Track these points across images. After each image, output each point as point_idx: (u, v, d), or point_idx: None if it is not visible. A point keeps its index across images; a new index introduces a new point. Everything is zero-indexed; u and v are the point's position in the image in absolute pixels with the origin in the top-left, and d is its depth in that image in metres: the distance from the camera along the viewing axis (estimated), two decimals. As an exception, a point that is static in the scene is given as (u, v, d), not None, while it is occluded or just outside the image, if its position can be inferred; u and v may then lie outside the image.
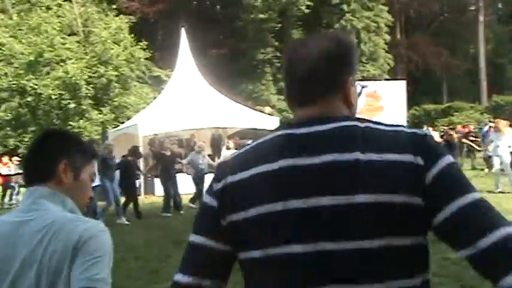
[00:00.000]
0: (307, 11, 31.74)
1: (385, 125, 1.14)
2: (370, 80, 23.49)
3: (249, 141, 1.23)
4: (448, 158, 1.07)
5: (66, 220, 1.43)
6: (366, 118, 1.16)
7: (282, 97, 32.20)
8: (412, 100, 32.60)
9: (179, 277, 1.19)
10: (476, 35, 36.18)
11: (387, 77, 30.11)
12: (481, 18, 36.17)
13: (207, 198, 1.20)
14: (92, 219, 1.53)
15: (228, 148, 13.90)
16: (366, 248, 1.03)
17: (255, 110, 20.16)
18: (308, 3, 31.56)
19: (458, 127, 19.25)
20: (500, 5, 43.38)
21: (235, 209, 1.13)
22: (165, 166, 11.85)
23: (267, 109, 26.19)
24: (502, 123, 12.57)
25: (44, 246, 1.38)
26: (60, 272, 1.36)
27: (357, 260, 1.03)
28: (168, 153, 12.15)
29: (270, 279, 1.10)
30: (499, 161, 12.07)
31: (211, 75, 20.31)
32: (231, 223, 1.14)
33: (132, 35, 25.08)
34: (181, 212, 11.56)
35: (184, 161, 13.36)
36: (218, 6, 34.93)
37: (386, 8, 33.08)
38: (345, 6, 31.74)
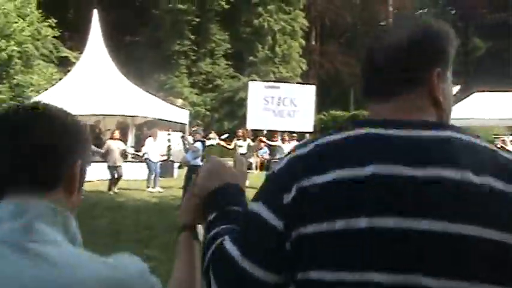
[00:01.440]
0: (227, 6, 31.70)
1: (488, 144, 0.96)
2: (282, 81, 23.90)
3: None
4: None
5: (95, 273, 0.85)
6: (463, 128, 0.97)
7: (196, 90, 31.95)
8: (321, 106, 33.74)
9: None
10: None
11: (299, 80, 30.83)
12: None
13: (265, 214, 0.94)
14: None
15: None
16: None
17: (166, 101, 19.81)
18: (228, -2, 31.58)
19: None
20: (408, 23, 46.11)
21: (307, 220, 0.90)
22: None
23: (179, 101, 25.81)
24: None
25: None
26: None
27: None
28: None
29: None
30: None
31: (123, 62, 19.64)
32: (298, 237, 0.91)
33: (40, 11, 23.62)
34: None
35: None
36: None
37: (303, 14, 33.90)
38: (263, 7, 32.09)
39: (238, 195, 1.14)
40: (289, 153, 1.01)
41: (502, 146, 15.62)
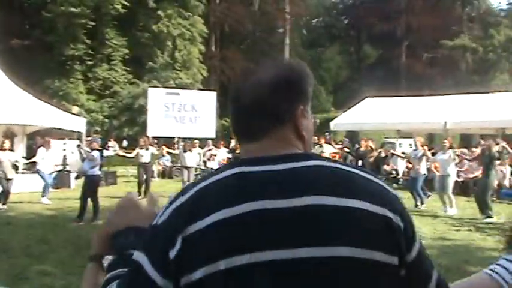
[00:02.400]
0: (122, 10, 30.85)
1: (354, 168, 1.04)
2: (182, 88, 23.71)
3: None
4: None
5: None
6: (328, 158, 1.06)
7: (92, 97, 30.74)
8: (224, 111, 33.94)
9: None
10: (283, 55, 39.24)
11: (200, 86, 30.78)
12: (287, 40, 39.36)
13: (149, 269, 0.94)
14: None
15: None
16: None
17: (61, 108, 18.83)
18: (124, 3, 30.69)
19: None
20: (304, 31, 47.79)
21: (194, 266, 0.91)
22: None
23: (75, 109, 24.74)
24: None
25: None
26: None
27: None
28: None
29: None
30: None
31: (12, 68, 18.37)
32: (187, 285, 0.92)
33: None
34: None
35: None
36: (24, -7, 31.97)
37: (202, 20, 33.89)
38: (161, 11, 31.67)
39: (138, 239, 1.11)
40: (169, 203, 1.01)
41: (392, 152, 16.67)
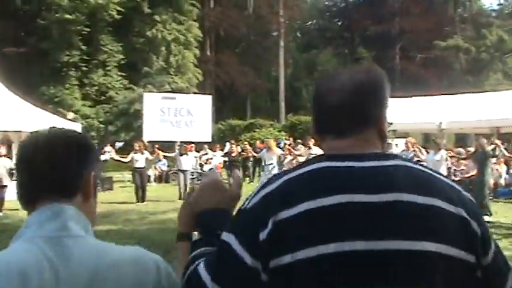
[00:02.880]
0: (118, 16, 30.90)
1: (430, 169, 1.12)
2: (178, 92, 23.74)
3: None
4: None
5: (121, 254, 1.12)
6: (408, 159, 1.16)
7: (88, 102, 30.75)
8: (220, 115, 34.01)
9: None
10: (278, 58, 39.36)
11: (195, 90, 30.82)
12: (282, 43, 39.49)
13: (238, 248, 1.01)
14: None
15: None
16: None
17: (57, 114, 18.82)
18: (119, 9, 30.75)
19: (258, 143, 20.43)
20: (298, 34, 47.95)
21: (284, 250, 0.98)
22: None
23: (70, 114, 24.67)
24: (272, 143, 13.77)
25: None
26: None
27: None
28: None
29: None
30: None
31: (7, 75, 18.37)
32: (276, 268, 0.98)
33: None
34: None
35: None
36: (19, 1, 31.93)
37: (196, 24, 33.97)
38: (156, 17, 31.74)
39: (224, 220, 1.17)
40: (257, 190, 1.08)
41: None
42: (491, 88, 25.77)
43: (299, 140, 21.09)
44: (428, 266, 0.99)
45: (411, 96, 19.58)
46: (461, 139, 25.88)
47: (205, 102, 18.24)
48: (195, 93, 28.04)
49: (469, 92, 19.14)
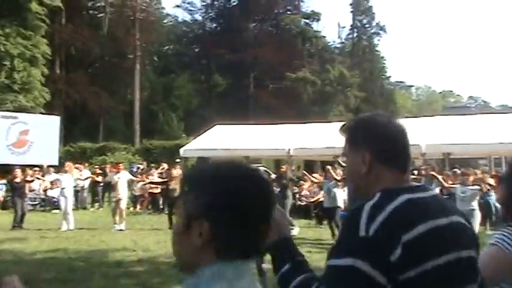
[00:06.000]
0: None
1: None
2: (22, 112, 21.96)
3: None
4: None
5: None
6: None
7: None
8: (70, 137, 32.10)
9: None
10: (134, 81, 38.55)
11: (42, 111, 28.78)
12: (138, 66, 38.81)
13: (371, 272, 1.21)
14: None
15: None
16: None
17: None
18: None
19: (108, 166, 19.57)
20: (155, 58, 47.58)
21: (412, 265, 1.23)
22: None
23: None
24: (70, 166, 13.75)
25: None
26: None
27: None
28: None
29: None
30: (65, 201, 13.06)
31: None
32: (404, 281, 1.22)
33: None
34: None
35: None
36: None
37: (45, 40, 31.83)
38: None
39: (296, 246, 1.49)
40: (369, 217, 1.27)
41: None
42: (335, 119, 27.96)
43: (153, 164, 20.74)
44: (475, 266, 1.41)
45: (263, 124, 20.44)
46: (310, 165, 27.56)
47: (53, 123, 17.13)
48: (41, 113, 26.17)
49: (315, 122, 20.52)
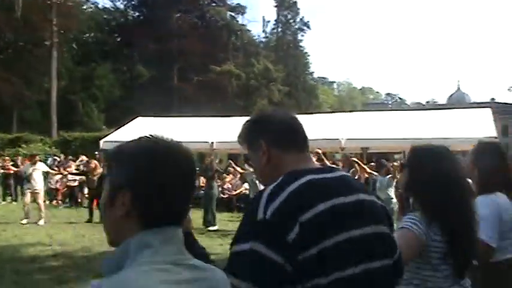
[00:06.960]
0: None
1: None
2: None
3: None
4: None
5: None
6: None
7: None
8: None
9: None
10: (51, 69, 36.73)
11: None
12: (55, 54, 36.96)
13: (271, 255, 1.25)
14: None
15: None
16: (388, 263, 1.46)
17: None
18: None
19: (20, 158, 18.57)
20: (74, 45, 45.66)
21: (311, 244, 1.27)
22: None
23: None
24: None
25: None
26: None
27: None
28: None
29: None
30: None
31: None
32: (318, 252, 1.27)
33: None
34: None
35: None
36: None
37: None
38: None
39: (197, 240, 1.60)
40: (267, 202, 1.31)
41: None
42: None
43: (71, 157, 19.99)
44: (387, 242, 1.46)
45: (186, 117, 20.31)
46: (234, 158, 27.68)
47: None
48: None
49: (238, 115, 20.65)
